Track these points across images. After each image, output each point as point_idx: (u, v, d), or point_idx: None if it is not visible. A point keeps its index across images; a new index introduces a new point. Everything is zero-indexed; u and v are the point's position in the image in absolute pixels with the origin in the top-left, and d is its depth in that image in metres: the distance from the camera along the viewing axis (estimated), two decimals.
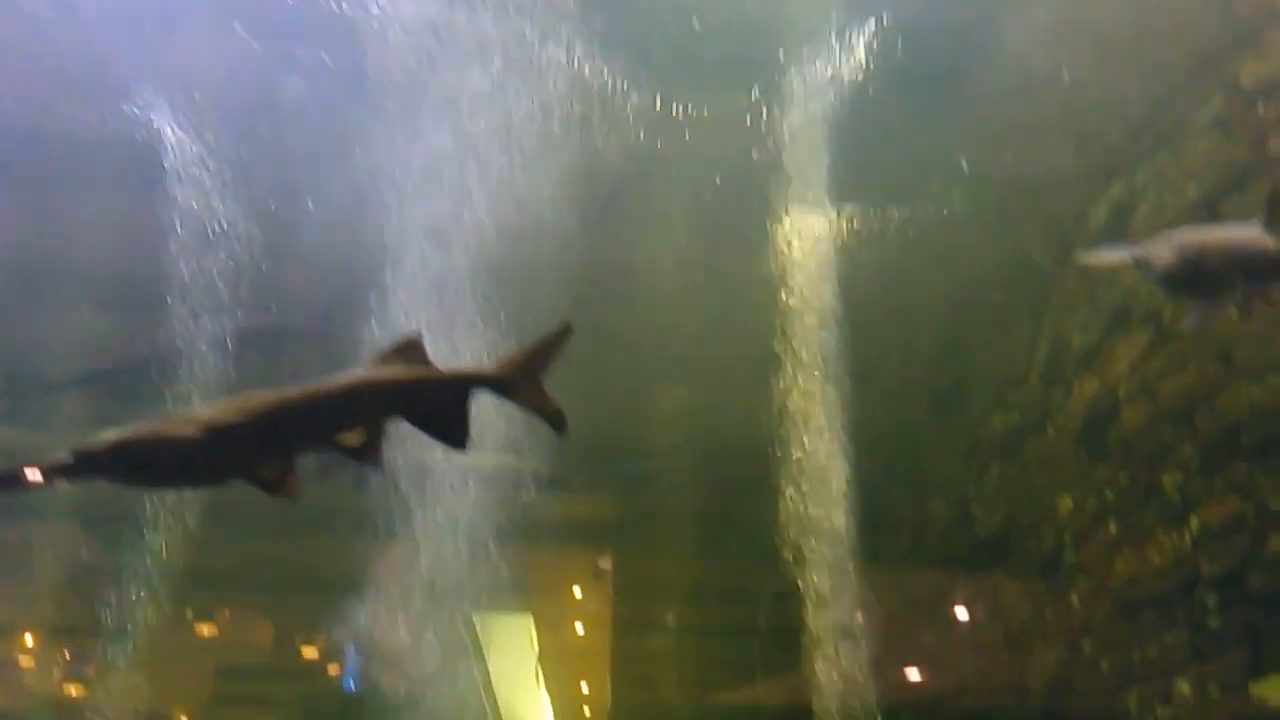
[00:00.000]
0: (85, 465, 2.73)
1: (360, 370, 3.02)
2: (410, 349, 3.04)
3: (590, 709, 10.18)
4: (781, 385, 6.53)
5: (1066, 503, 5.86)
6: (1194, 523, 4.97)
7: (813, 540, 6.40)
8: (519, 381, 3.07)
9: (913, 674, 6.85)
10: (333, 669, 9.65)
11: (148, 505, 6.38)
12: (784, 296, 6.58)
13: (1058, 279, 6.14)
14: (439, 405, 3.03)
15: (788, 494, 6.45)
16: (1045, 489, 6.01)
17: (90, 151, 6.19)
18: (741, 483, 7.76)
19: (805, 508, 6.45)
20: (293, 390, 2.91)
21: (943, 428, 7.32)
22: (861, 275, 6.45)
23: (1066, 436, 5.92)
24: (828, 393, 6.51)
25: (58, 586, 7.99)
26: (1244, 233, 3.30)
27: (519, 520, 6.50)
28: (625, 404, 7.70)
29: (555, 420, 3.10)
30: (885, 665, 6.24)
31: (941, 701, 6.56)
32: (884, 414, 7.23)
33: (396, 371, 2.99)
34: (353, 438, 3.02)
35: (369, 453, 3.02)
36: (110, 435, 2.76)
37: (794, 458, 6.48)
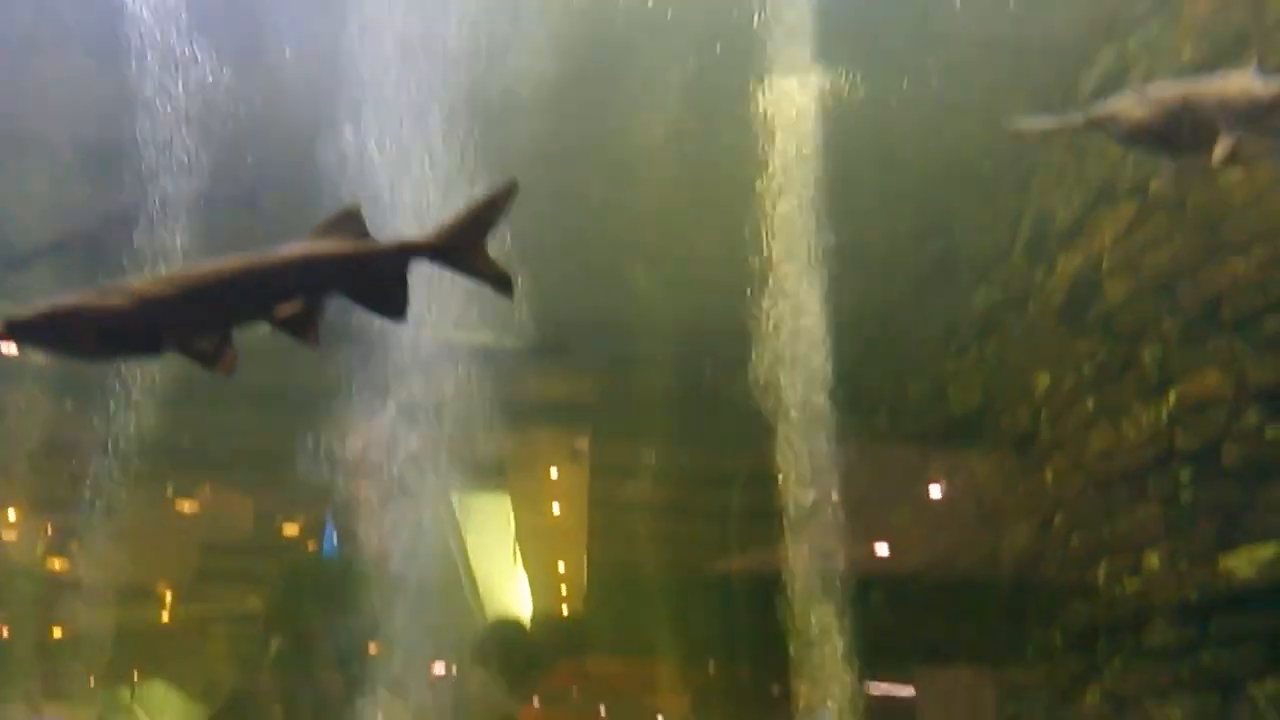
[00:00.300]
0: (11, 334, 2.72)
1: (296, 243, 2.92)
2: (349, 220, 2.92)
3: (567, 586, 10.34)
4: (761, 264, 6.42)
5: (1044, 379, 5.82)
6: (1171, 397, 4.93)
7: (789, 420, 6.36)
8: (459, 248, 2.93)
9: (885, 549, 6.92)
10: (313, 544, 9.74)
11: (126, 376, 6.31)
12: (765, 171, 6.43)
13: (1043, 150, 6.00)
14: (377, 278, 2.93)
15: (765, 374, 6.39)
16: (1024, 366, 5.97)
17: (56, 13, 5.97)
18: (719, 363, 7.73)
19: (782, 388, 6.39)
20: (226, 263, 2.84)
21: (924, 307, 7.25)
22: (846, 147, 6.28)
23: (1047, 312, 5.85)
24: (808, 273, 6.41)
25: (36, 456, 7.95)
26: (1230, 80, 3.16)
27: (497, 400, 6.44)
28: (603, 280, 7.61)
29: (501, 285, 2.97)
30: (858, 541, 6.28)
31: (914, 576, 6.63)
32: (866, 294, 7.15)
33: (332, 244, 2.89)
34: (290, 311, 2.92)
35: (306, 328, 2.92)
36: (38, 305, 2.70)
37: (772, 338, 6.40)
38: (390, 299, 2.95)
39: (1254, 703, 4.55)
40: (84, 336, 2.77)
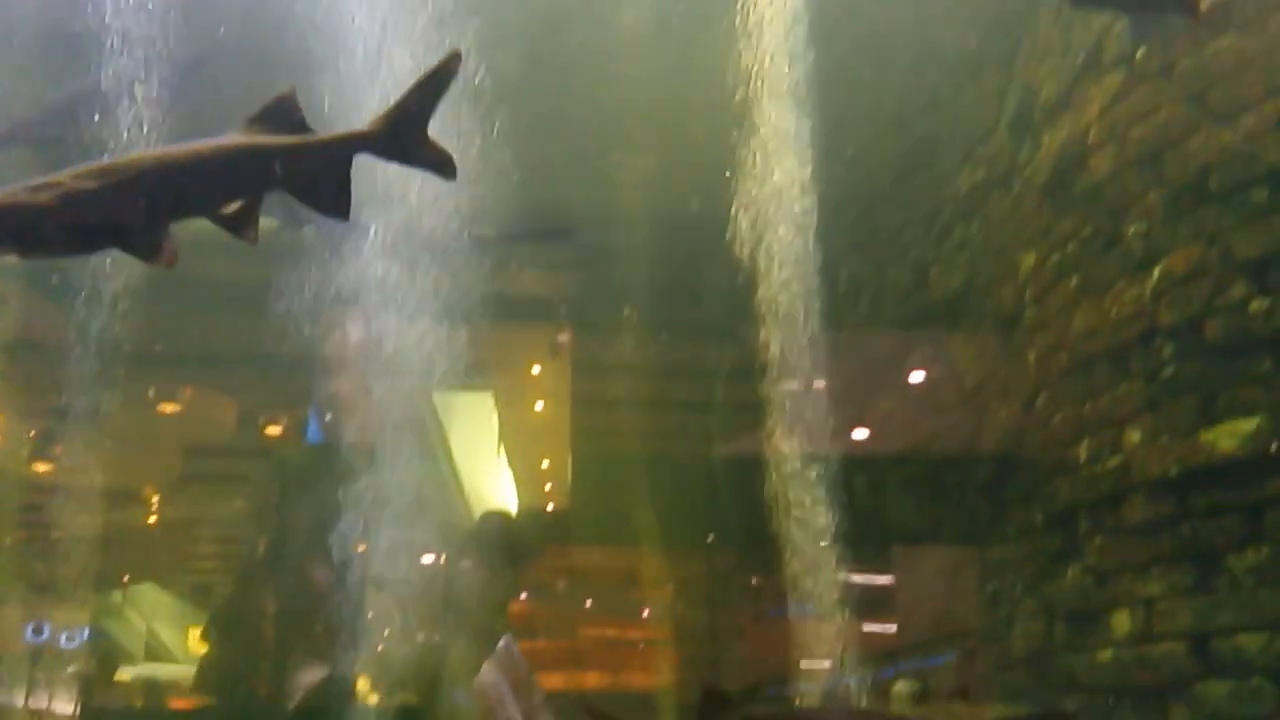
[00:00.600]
0: None
1: (231, 136, 2.82)
2: (283, 108, 2.82)
3: (551, 482, 10.38)
4: (743, 154, 6.29)
5: (1029, 259, 5.76)
6: (1156, 272, 4.87)
7: (770, 310, 6.30)
8: (401, 137, 2.82)
9: (868, 434, 6.93)
10: (297, 442, 9.71)
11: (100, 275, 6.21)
12: (747, 58, 6.25)
13: (1029, 21, 5.84)
14: (317, 173, 2.83)
15: (746, 263, 6.31)
16: (1008, 246, 5.90)
17: None
18: (700, 255, 7.64)
19: (762, 278, 6.32)
20: (157, 156, 2.79)
21: (907, 191, 7.14)
22: (828, 33, 6.10)
23: (1032, 190, 5.75)
24: (790, 159, 6.28)
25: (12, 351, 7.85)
26: None
27: (476, 295, 6.37)
28: (582, 171, 7.47)
29: (444, 170, 2.87)
30: (842, 427, 6.28)
31: (897, 460, 6.65)
32: (848, 180, 7.03)
33: (268, 138, 2.79)
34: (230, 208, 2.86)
35: (245, 224, 2.85)
36: None
37: (753, 229, 6.30)
38: (332, 195, 2.86)
39: (1232, 574, 4.60)
40: (11, 234, 2.68)
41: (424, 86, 2.82)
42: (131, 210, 2.70)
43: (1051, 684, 5.46)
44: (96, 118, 5.60)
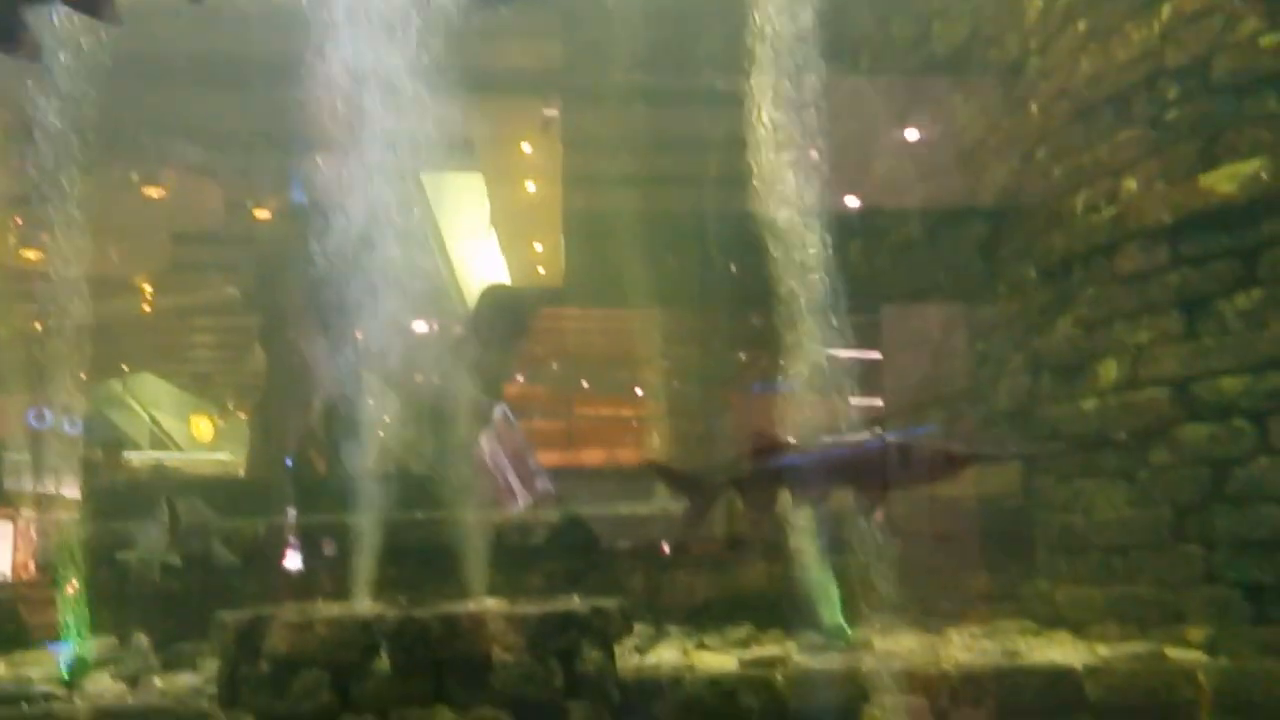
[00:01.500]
0: None
1: None
2: None
3: (543, 265, 10.36)
4: None
5: (1035, 4, 5.56)
6: (1166, 10, 4.72)
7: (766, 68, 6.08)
8: None
9: (866, 192, 6.82)
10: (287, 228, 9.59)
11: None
12: None
13: None
14: None
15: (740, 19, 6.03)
16: None
17: None
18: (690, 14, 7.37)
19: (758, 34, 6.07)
20: None
21: None
22: None
23: None
24: None
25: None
26: None
27: (459, 69, 6.12)
28: None
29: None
30: (838, 186, 6.17)
31: (894, 218, 6.59)
32: None
33: None
34: None
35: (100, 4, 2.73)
36: None
37: None
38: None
39: (1221, 319, 4.63)
40: None
41: None
42: None
43: (1033, 435, 5.59)
44: None
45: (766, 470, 4.03)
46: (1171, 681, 4.28)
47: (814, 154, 6.32)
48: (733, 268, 8.04)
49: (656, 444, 9.82)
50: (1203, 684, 4.24)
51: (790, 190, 6.20)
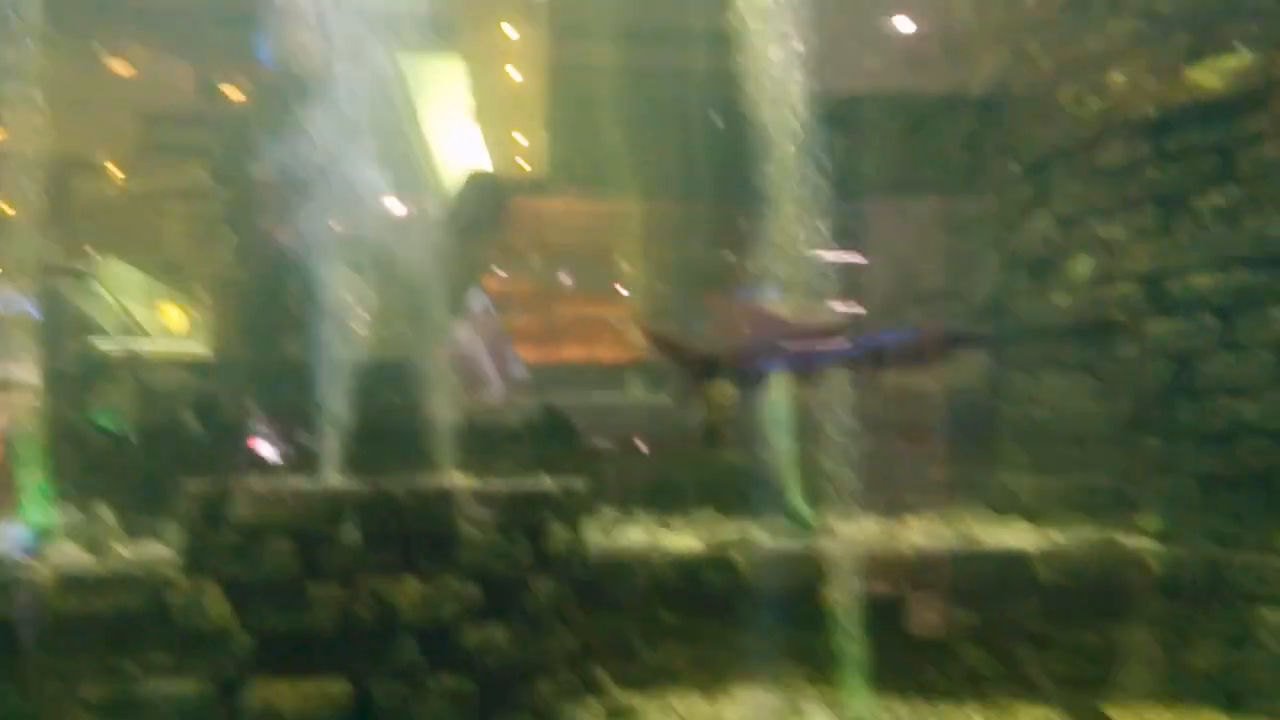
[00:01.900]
0: None
1: None
2: None
3: (525, 156, 10.16)
4: None
5: None
6: None
7: None
8: None
9: (852, 84, 6.67)
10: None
11: None
12: None
13: None
14: None
15: None
16: None
17: None
18: None
19: None
20: None
21: None
22: None
23: None
24: None
25: None
26: None
27: None
28: None
29: None
30: (826, 86, 6.05)
31: (879, 112, 6.47)
32: None
33: None
34: None
35: None
36: None
37: None
38: None
39: (1195, 215, 4.62)
40: None
41: None
42: None
43: (1005, 329, 5.61)
44: None
45: (764, 346, 4.03)
46: (1121, 566, 4.38)
47: (801, 46, 6.19)
48: (718, 163, 7.92)
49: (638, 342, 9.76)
50: (1152, 569, 4.34)
51: (777, 84, 6.09)
